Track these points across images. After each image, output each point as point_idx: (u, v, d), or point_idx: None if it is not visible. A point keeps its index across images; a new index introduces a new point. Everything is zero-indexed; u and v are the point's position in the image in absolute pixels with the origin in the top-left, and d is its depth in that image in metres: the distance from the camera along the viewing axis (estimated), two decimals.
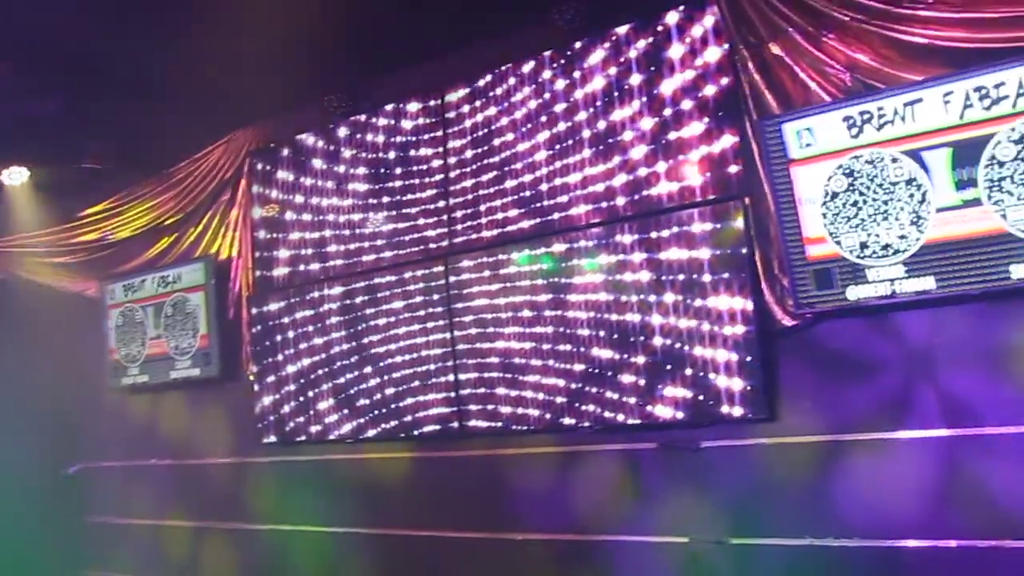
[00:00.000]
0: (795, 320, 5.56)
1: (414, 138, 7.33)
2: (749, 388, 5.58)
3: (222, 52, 6.78)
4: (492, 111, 6.89)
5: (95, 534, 10.01)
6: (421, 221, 7.23)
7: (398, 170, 7.40)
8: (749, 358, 5.58)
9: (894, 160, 5.05)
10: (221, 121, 8.53)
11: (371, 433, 7.41)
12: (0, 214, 9.69)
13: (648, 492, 6.17)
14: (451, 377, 6.94)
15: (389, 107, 7.50)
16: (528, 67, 6.73)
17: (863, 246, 5.15)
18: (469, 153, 6.99)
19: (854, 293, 5.20)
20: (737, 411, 5.64)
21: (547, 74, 6.62)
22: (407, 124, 7.38)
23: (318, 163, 7.95)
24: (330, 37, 6.50)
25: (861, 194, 5.16)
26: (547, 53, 6.62)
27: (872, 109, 5.11)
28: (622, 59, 6.24)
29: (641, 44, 6.15)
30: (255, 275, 8.38)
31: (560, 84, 6.54)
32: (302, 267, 8.01)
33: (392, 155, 7.45)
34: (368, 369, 7.45)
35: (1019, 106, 4.71)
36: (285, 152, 8.20)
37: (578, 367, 6.32)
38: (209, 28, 6.38)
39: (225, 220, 8.71)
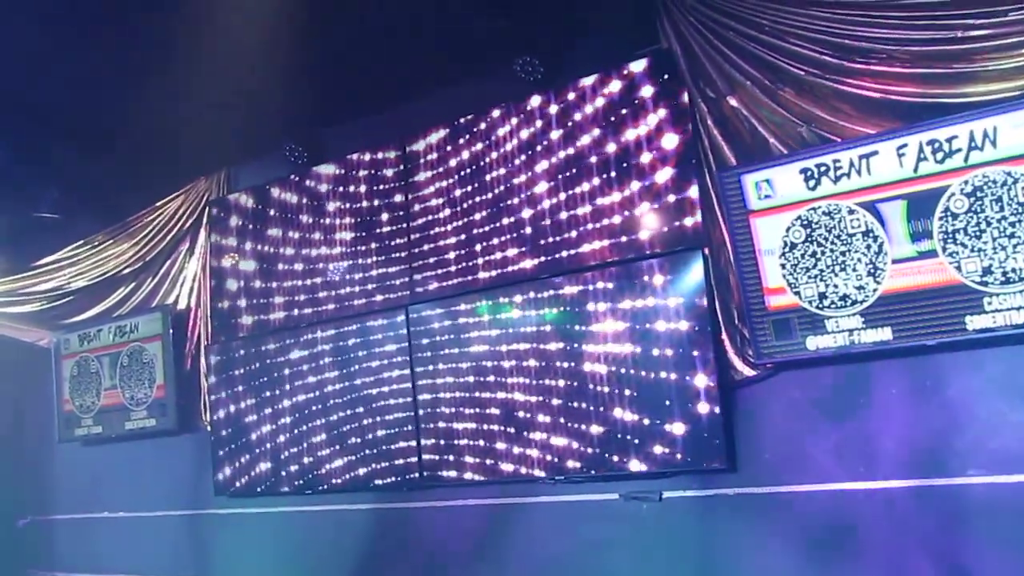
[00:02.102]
0: (755, 370, 5.58)
1: (374, 187, 7.32)
2: (710, 438, 5.56)
3: (182, 101, 6.77)
4: (452, 161, 6.90)
5: None
6: (382, 270, 7.20)
7: (358, 218, 7.39)
8: (709, 408, 5.57)
9: (851, 212, 5.11)
10: (180, 170, 8.51)
11: (329, 484, 7.30)
12: None
13: (609, 543, 6.12)
14: (412, 427, 6.87)
15: (349, 156, 7.50)
16: (488, 118, 6.75)
17: (822, 296, 5.19)
18: (429, 202, 6.99)
19: (813, 343, 5.23)
20: (698, 461, 5.62)
21: (507, 125, 6.64)
22: (367, 173, 7.37)
23: (278, 212, 7.91)
24: (290, 87, 6.50)
25: (819, 245, 5.21)
26: (507, 104, 6.65)
27: (828, 162, 5.18)
28: (582, 111, 6.28)
29: (601, 96, 6.19)
30: (213, 325, 8.29)
31: (520, 135, 6.57)
32: (261, 316, 7.93)
33: (351, 204, 7.44)
34: (327, 419, 7.36)
35: (971, 159, 4.78)
36: (245, 201, 8.16)
37: (539, 418, 6.27)
38: (168, 77, 6.36)
39: (184, 269, 8.63)
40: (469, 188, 6.80)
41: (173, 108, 6.91)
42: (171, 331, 8.49)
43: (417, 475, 6.82)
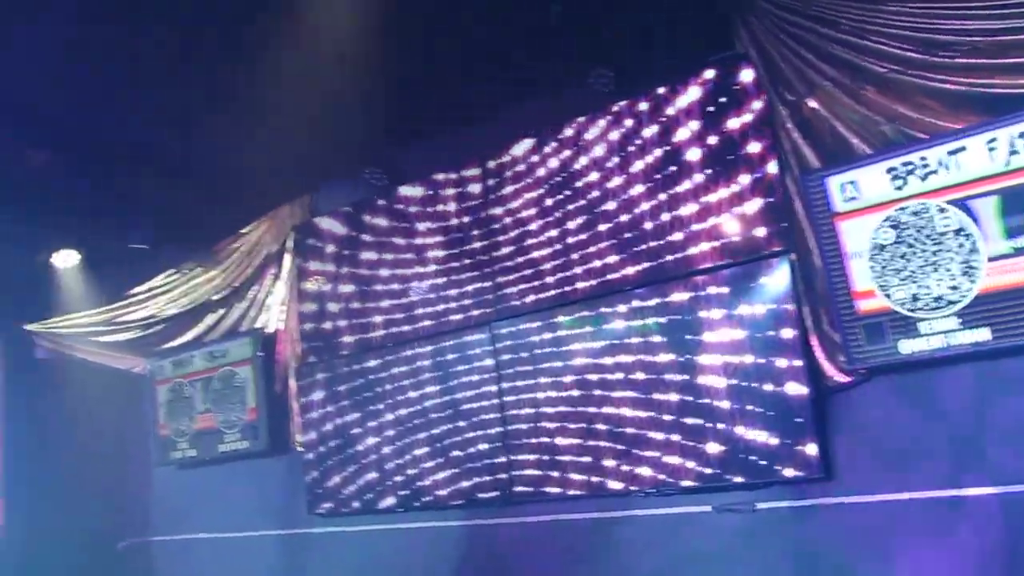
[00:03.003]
0: (847, 376, 5.47)
1: (459, 204, 7.36)
2: (803, 447, 5.46)
3: (263, 130, 6.91)
4: (531, 177, 6.91)
5: None
6: (464, 288, 7.23)
7: (443, 236, 7.43)
8: (802, 417, 5.47)
9: (941, 210, 4.98)
10: (264, 197, 8.67)
11: (421, 501, 7.36)
12: (52, 296, 9.86)
13: (703, 556, 6.03)
14: (500, 443, 6.88)
15: (430, 176, 7.56)
16: (569, 129, 6.74)
17: (914, 298, 5.06)
18: (509, 219, 7.01)
19: (907, 347, 5.11)
20: (791, 471, 5.52)
21: (587, 137, 6.63)
22: (450, 191, 7.42)
23: (360, 234, 8.01)
24: (367, 111, 6.59)
25: (909, 246, 5.08)
26: (583, 117, 6.64)
27: (915, 160, 5.06)
28: (660, 120, 6.24)
29: (679, 104, 6.15)
30: (301, 347, 8.42)
31: (599, 148, 6.55)
32: (348, 337, 8.02)
33: (435, 222, 7.49)
34: (420, 436, 7.41)
35: None
36: (328, 225, 8.29)
37: (628, 430, 6.23)
38: (250, 108, 6.52)
39: (271, 294, 8.79)
40: (550, 202, 6.80)
41: (255, 137, 7.05)
42: (260, 354, 8.65)
43: (508, 490, 6.82)
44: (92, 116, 6.84)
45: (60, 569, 9.76)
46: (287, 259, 8.65)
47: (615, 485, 6.27)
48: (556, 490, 6.55)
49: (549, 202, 6.78)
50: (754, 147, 5.79)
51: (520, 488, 6.75)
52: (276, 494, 8.68)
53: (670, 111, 6.19)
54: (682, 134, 6.13)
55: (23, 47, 5.81)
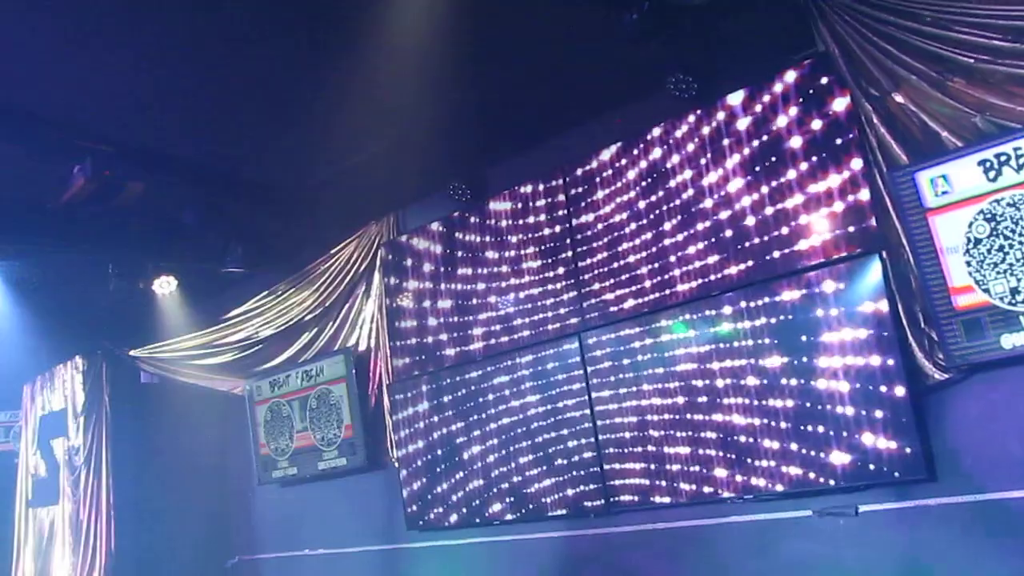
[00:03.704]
0: (947, 374, 5.34)
1: (540, 217, 7.42)
2: (904, 447, 5.35)
3: (348, 150, 7.07)
4: (617, 184, 6.91)
5: None
6: (552, 300, 7.27)
7: (527, 250, 7.49)
8: (902, 417, 5.37)
9: None
10: (352, 217, 8.86)
11: (514, 515, 7.41)
12: (152, 321, 10.20)
13: (805, 562, 5.94)
14: (594, 453, 6.89)
15: (514, 188, 7.62)
16: (648, 138, 6.74)
17: (1014, 292, 4.93)
18: (597, 227, 7.02)
19: (1009, 341, 4.97)
20: (893, 472, 5.42)
21: (665, 146, 6.62)
22: (536, 202, 7.47)
23: (447, 249, 8.11)
24: (451, 129, 6.69)
25: (1006, 238, 4.95)
26: (664, 124, 6.63)
27: (1009, 150, 4.93)
28: (739, 124, 6.20)
29: (761, 105, 6.10)
30: (394, 363, 8.55)
31: (681, 152, 6.53)
32: (439, 352, 8.13)
33: (523, 235, 7.55)
34: (507, 450, 7.47)
35: None
36: (415, 241, 8.41)
37: (722, 436, 6.19)
38: (333, 128, 6.68)
39: (361, 312, 8.95)
40: (637, 208, 6.80)
41: (342, 158, 7.23)
42: (354, 372, 8.81)
43: (603, 501, 6.84)
44: (183, 144, 7.11)
45: None
46: (376, 276, 8.79)
47: (714, 491, 6.23)
48: (659, 499, 6.53)
49: (642, 204, 6.77)
50: (840, 145, 5.71)
51: (622, 496, 6.74)
52: (375, 509, 8.83)
53: (752, 114, 6.14)
54: (765, 136, 6.07)
55: (115, 78, 6.05)
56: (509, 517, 7.45)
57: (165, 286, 9.51)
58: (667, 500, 6.48)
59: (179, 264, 9.35)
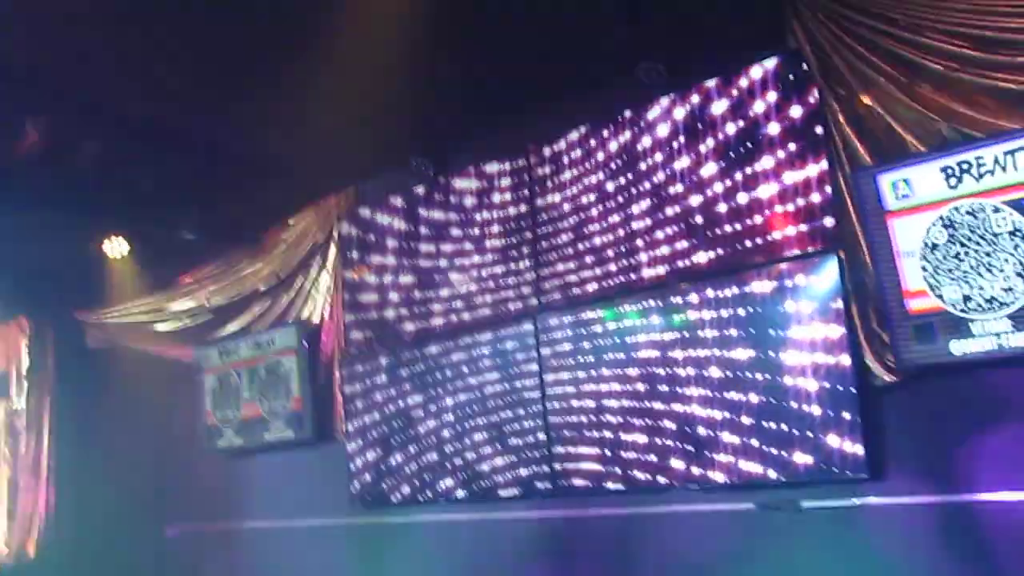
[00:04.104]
0: (896, 376, 5.39)
1: (499, 197, 7.39)
2: (849, 446, 5.41)
3: (309, 120, 6.97)
4: (577, 169, 6.91)
5: None
6: (514, 279, 7.25)
7: (485, 229, 7.46)
8: (849, 416, 5.42)
9: (996, 210, 4.89)
10: (310, 187, 8.74)
11: (463, 494, 7.40)
12: (102, 285, 10.02)
13: (746, 555, 5.99)
14: (543, 435, 6.90)
15: (478, 165, 7.58)
16: (611, 126, 6.74)
17: (966, 299, 4.99)
18: (554, 212, 7.01)
19: (958, 348, 5.03)
20: (837, 470, 5.47)
21: (631, 132, 6.61)
22: (492, 183, 7.44)
23: (405, 224, 8.06)
24: (415, 101, 6.60)
25: (962, 245, 5.00)
26: (630, 111, 6.62)
27: (971, 159, 4.97)
28: (708, 113, 6.20)
29: (727, 98, 6.11)
30: (346, 337, 8.48)
31: (645, 141, 6.53)
32: (392, 328, 8.08)
33: (478, 215, 7.52)
34: (459, 429, 7.45)
35: None
36: (373, 215, 8.35)
37: (671, 425, 6.22)
38: (295, 97, 6.58)
39: (316, 284, 8.87)
40: (594, 196, 6.81)
41: (303, 127, 7.12)
42: (305, 344, 8.72)
43: (549, 484, 6.85)
44: (143, 106, 6.96)
45: (108, 555, 9.96)
46: (333, 249, 8.71)
47: (658, 480, 6.28)
48: (612, 485, 6.55)
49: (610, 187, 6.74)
50: (804, 142, 5.74)
51: (575, 480, 6.74)
52: (321, 484, 8.74)
53: (719, 105, 6.15)
54: (730, 128, 6.09)
55: (77, 39, 5.91)
56: (460, 495, 7.43)
57: (116, 249, 9.35)
58: (620, 487, 6.49)
59: (133, 228, 9.19)
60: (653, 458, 6.30)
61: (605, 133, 6.78)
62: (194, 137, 7.55)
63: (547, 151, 7.12)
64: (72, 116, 6.74)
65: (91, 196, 8.13)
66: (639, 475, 6.37)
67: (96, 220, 8.96)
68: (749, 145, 6.00)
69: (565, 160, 7.00)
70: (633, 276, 6.54)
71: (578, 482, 6.70)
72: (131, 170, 7.76)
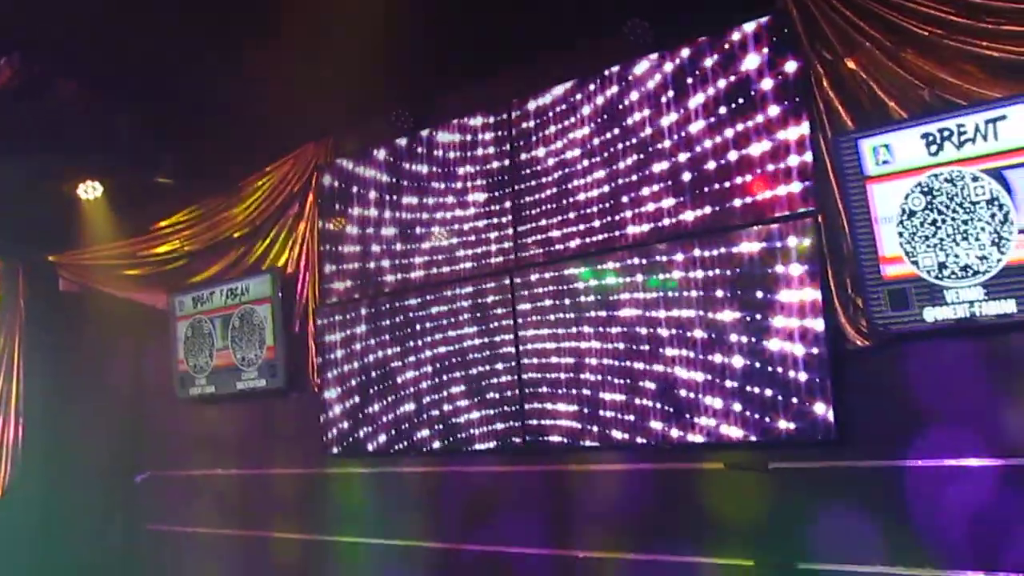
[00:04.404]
0: (868, 341, 5.44)
1: (481, 151, 7.33)
2: (819, 409, 5.46)
3: (290, 68, 6.89)
4: (560, 125, 6.86)
5: (155, 541, 10.19)
6: (488, 235, 7.22)
7: (465, 184, 7.41)
8: (820, 379, 5.47)
9: (975, 179, 4.92)
10: (289, 135, 8.64)
11: (435, 446, 7.42)
12: (76, 228, 9.91)
13: (714, 512, 6.07)
14: (516, 391, 6.91)
15: (456, 120, 7.51)
16: (597, 82, 6.68)
17: (941, 266, 5.03)
18: (536, 167, 6.97)
19: (931, 314, 5.08)
20: (807, 432, 5.53)
21: (616, 89, 6.57)
22: (474, 137, 7.38)
23: (385, 176, 7.99)
24: (397, 52, 6.53)
25: (940, 213, 5.03)
26: (616, 68, 6.57)
27: (952, 126, 4.99)
28: (693, 74, 6.17)
29: (713, 59, 6.07)
30: (321, 288, 8.45)
31: (629, 99, 6.49)
32: (369, 280, 8.05)
33: (459, 169, 7.46)
34: (433, 382, 7.46)
35: None
36: (352, 166, 8.27)
37: (644, 384, 6.25)
38: (277, 45, 6.48)
39: (292, 233, 8.80)
40: (577, 152, 6.77)
41: (283, 74, 7.03)
42: (280, 294, 8.67)
43: (521, 439, 6.87)
44: (120, 48, 6.83)
45: (77, 499, 9.95)
46: (310, 198, 8.64)
47: (629, 438, 6.31)
48: (589, 443, 6.57)
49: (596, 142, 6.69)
50: (787, 105, 5.72)
51: (552, 437, 6.73)
52: (293, 433, 8.76)
53: (703, 66, 6.11)
54: (712, 90, 6.06)
55: None
56: (434, 446, 7.44)
57: (91, 191, 9.23)
58: (596, 444, 6.53)
59: (108, 170, 9.07)
60: (631, 417, 6.33)
61: (592, 88, 6.72)
62: (172, 82, 7.43)
63: (531, 105, 7.05)
64: (47, 54, 6.60)
65: (65, 138, 8.02)
66: (608, 432, 6.41)
67: (70, 162, 8.83)
68: (731, 107, 5.97)
69: (549, 115, 6.94)
70: (614, 234, 6.53)
71: (553, 438, 6.71)
72: (107, 113, 7.66)
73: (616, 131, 6.55)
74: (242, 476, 9.30)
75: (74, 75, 6.95)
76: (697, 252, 6.06)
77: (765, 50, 5.83)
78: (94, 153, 8.54)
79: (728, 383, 5.86)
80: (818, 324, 5.50)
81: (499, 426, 7.02)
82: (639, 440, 6.27)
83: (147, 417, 10.45)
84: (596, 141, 6.65)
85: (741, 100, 5.93)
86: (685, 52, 6.22)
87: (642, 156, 6.39)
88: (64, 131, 7.85)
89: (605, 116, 6.62)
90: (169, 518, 10.02)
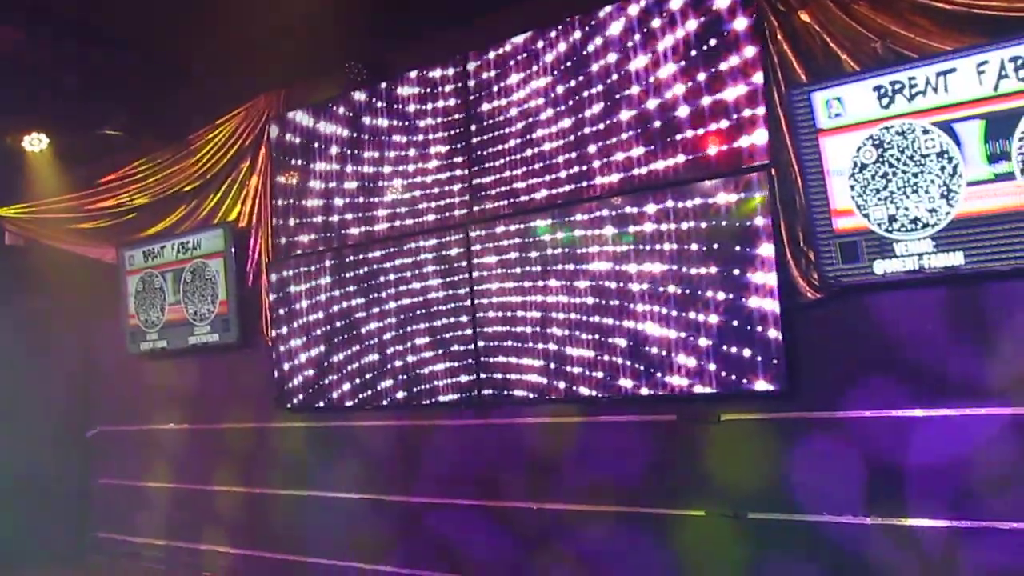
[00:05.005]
0: (819, 294, 5.48)
1: (435, 105, 7.25)
2: (770, 361, 5.51)
3: (242, 18, 6.75)
4: (515, 77, 6.79)
5: (108, 496, 10.17)
6: (442, 189, 7.16)
7: (419, 137, 7.33)
8: (771, 331, 5.51)
9: (925, 132, 4.95)
10: (240, 88, 8.49)
11: (387, 400, 7.40)
12: (21, 181, 9.71)
13: (665, 464, 6.13)
14: (471, 345, 6.91)
15: (410, 74, 7.41)
16: (552, 33, 6.61)
17: (891, 219, 5.07)
18: (491, 120, 6.91)
19: (881, 267, 5.12)
20: (758, 384, 5.58)
21: (570, 40, 6.50)
22: (428, 91, 7.29)
23: (337, 130, 7.88)
24: (351, 3, 6.42)
25: (891, 166, 5.06)
26: (572, 18, 6.50)
27: (903, 79, 5.01)
28: (647, 26, 6.12)
29: (667, 10, 6.03)
30: (274, 242, 8.35)
31: (584, 51, 6.44)
32: (321, 234, 7.97)
33: (413, 123, 7.37)
34: (387, 336, 7.42)
35: None
36: (304, 119, 8.15)
37: (596, 337, 6.27)
38: None
39: (244, 187, 8.69)
40: (532, 104, 6.72)
41: (234, 25, 6.89)
42: (232, 248, 8.58)
43: (476, 392, 6.88)
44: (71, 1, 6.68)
45: (26, 456, 9.82)
46: (263, 152, 8.51)
47: (582, 391, 6.34)
48: (531, 394, 6.61)
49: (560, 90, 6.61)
50: (741, 58, 5.70)
51: (516, 391, 6.71)
52: (246, 388, 8.71)
53: (658, 17, 6.07)
54: (667, 41, 6.02)
55: None
56: (385, 401, 7.44)
57: (36, 143, 9.04)
58: (543, 397, 6.56)
59: (54, 121, 8.88)
60: (568, 368, 6.37)
61: (553, 35, 6.63)
62: (122, 30, 7.27)
63: (490, 55, 6.95)
64: None
65: (10, 88, 7.82)
66: (560, 385, 6.43)
67: (14, 114, 8.62)
68: (685, 59, 5.94)
69: (509, 64, 6.85)
70: (588, 183, 6.50)
71: (523, 393, 6.69)
72: (54, 64, 7.48)
73: (568, 84, 6.50)
74: (193, 431, 9.25)
75: (18, 24, 6.73)
76: (650, 207, 6.05)
77: (719, 2, 5.79)
78: (40, 105, 8.36)
79: (680, 335, 5.88)
80: (771, 277, 5.53)
81: (452, 380, 7.02)
82: (592, 393, 6.30)
83: (98, 372, 10.36)
84: (551, 93, 6.60)
85: (693, 54, 5.91)
86: (639, 3, 6.17)
87: (601, 105, 6.34)
88: (8, 82, 7.65)
89: (567, 64, 6.55)
90: (120, 473, 9.96)
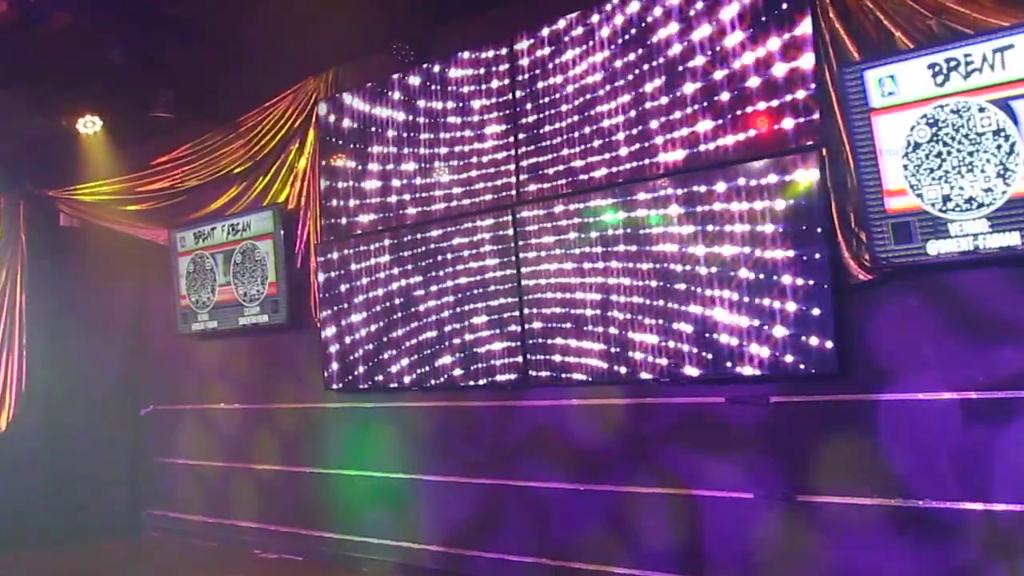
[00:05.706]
0: (871, 275, 5.41)
1: (483, 86, 7.24)
2: (821, 343, 5.46)
3: (289, 2, 6.79)
4: (562, 58, 6.76)
5: (160, 474, 10.35)
6: (490, 170, 7.16)
7: (467, 118, 7.33)
8: (822, 312, 5.46)
9: (981, 110, 4.86)
10: (289, 70, 8.55)
11: (436, 381, 7.45)
12: (75, 162, 9.86)
13: (714, 446, 6.11)
14: (519, 327, 6.92)
15: (461, 54, 7.40)
16: (600, 14, 6.57)
17: (946, 199, 4.98)
18: (539, 100, 6.89)
19: (935, 248, 5.04)
20: (808, 366, 5.53)
21: (619, 21, 6.46)
22: (476, 72, 7.28)
23: (386, 111, 7.91)
24: None
25: (945, 145, 4.98)
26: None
27: (959, 56, 4.91)
28: (698, 4, 6.07)
29: None
30: (323, 223, 8.42)
31: (633, 31, 6.39)
32: (370, 215, 8.01)
33: (460, 103, 7.38)
34: (434, 318, 7.46)
35: None
36: (353, 101, 8.18)
37: (647, 320, 6.25)
38: None
39: (293, 169, 8.76)
40: (580, 85, 6.70)
41: (282, 7, 6.93)
42: (282, 230, 8.66)
43: (522, 375, 6.90)
44: None
45: (81, 433, 10.04)
46: (311, 133, 8.57)
47: (635, 373, 6.33)
48: (580, 376, 6.60)
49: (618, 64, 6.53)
50: (794, 37, 5.62)
51: (539, 373, 6.78)
52: (295, 368, 8.84)
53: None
54: (720, 22, 5.96)
55: None
56: (430, 384, 7.49)
57: (90, 125, 9.21)
58: (589, 379, 6.56)
59: (107, 105, 9.01)
60: (618, 350, 6.37)
61: (584, 27, 6.63)
62: (172, 13, 7.34)
63: (548, 29, 6.87)
64: None
65: (63, 71, 7.95)
66: (610, 367, 6.43)
67: (69, 96, 8.78)
68: (739, 39, 5.88)
69: (564, 40, 6.78)
70: (651, 160, 6.46)
71: (551, 373, 6.74)
72: (104, 45, 7.57)
73: (617, 65, 6.47)
74: (244, 410, 9.38)
75: (69, 6, 6.83)
76: (703, 187, 6.00)
77: None
78: (92, 87, 8.48)
79: (730, 317, 5.85)
80: (821, 258, 5.48)
81: (500, 361, 7.05)
82: (643, 376, 6.28)
83: (151, 352, 10.54)
84: (600, 73, 6.57)
85: (747, 32, 5.84)
86: None
87: (650, 88, 6.31)
88: (61, 63, 7.77)
89: (623, 39, 6.48)
90: (172, 451, 10.16)
